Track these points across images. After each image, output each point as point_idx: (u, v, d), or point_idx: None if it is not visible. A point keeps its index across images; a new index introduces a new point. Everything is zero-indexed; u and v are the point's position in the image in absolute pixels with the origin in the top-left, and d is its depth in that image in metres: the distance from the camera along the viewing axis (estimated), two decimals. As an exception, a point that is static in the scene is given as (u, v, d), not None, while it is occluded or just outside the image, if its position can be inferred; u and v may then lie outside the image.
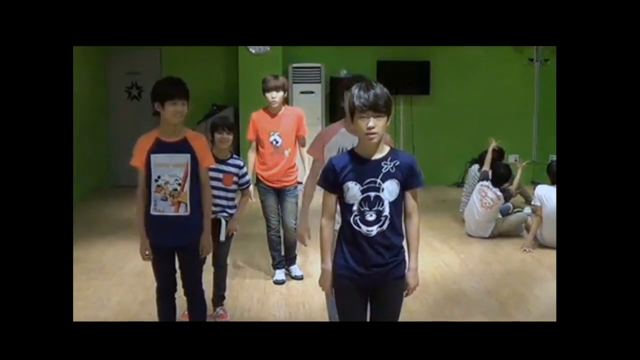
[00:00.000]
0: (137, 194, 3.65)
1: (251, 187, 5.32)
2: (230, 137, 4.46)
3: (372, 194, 2.90)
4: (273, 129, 5.25)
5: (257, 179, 5.37)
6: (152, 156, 3.57)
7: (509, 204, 7.18)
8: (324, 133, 3.99)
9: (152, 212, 3.60)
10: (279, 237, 5.47)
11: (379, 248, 2.91)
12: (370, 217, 2.91)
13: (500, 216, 7.10)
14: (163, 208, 3.59)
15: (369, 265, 2.92)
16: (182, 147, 3.59)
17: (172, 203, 3.59)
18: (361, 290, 2.97)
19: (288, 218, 5.37)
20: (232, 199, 4.56)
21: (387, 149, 2.95)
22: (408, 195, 2.94)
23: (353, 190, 2.90)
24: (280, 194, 5.34)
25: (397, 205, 2.92)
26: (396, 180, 2.90)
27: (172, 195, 3.58)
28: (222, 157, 4.44)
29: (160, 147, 3.58)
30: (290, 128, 5.27)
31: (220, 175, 4.41)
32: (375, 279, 2.93)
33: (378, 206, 2.90)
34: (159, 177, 3.57)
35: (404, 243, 3.01)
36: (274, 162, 5.29)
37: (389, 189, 2.90)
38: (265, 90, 5.19)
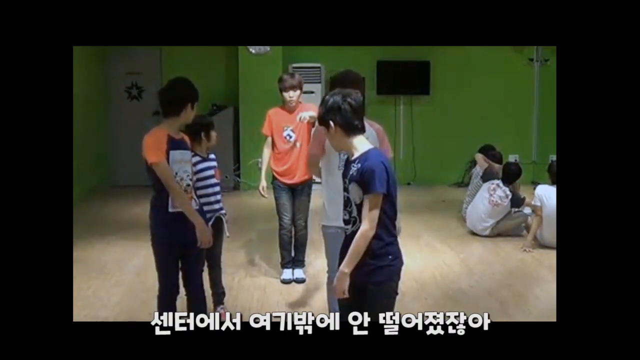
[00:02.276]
0: (174, 186, 3.54)
1: (264, 182, 5.34)
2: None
3: (345, 194, 2.99)
4: (287, 124, 5.26)
5: (273, 176, 5.38)
6: (171, 153, 3.58)
7: (510, 208, 7.17)
8: (320, 132, 3.93)
9: (170, 210, 3.59)
10: (290, 236, 5.47)
11: None
12: (345, 216, 3.01)
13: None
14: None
15: None
16: (186, 144, 3.72)
17: (188, 198, 3.64)
18: (351, 287, 2.98)
19: (299, 217, 5.36)
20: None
21: (362, 150, 2.95)
22: (364, 200, 2.88)
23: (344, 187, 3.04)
24: (294, 191, 5.34)
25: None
26: (356, 184, 2.90)
27: (186, 191, 3.64)
28: (205, 154, 4.43)
29: (175, 144, 3.61)
30: (304, 124, 5.22)
31: (212, 172, 4.42)
32: (355, 275, 2.92)
33: (348, 207, 2.97)
34: (176, 173, 3.59)
35: (391, 250, 2.98)
36: (287, 156, 5.30)
37: (353, 191, 2.93)
38: (282, 89, 5.20)
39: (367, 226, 2.87)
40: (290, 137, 5.25)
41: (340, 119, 2.92)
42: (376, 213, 2.87)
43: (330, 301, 3.88)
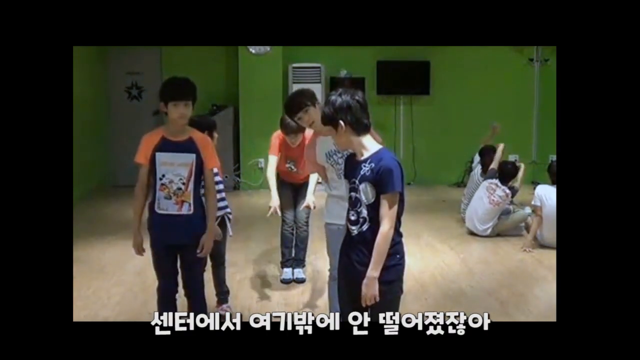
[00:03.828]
0: (136, 190, 3.65)
1: (277, 202, 5.13)
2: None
3: (353, 194, 2.96)
4: (290, 157, 5.27)
5: (277, 174, 5.38)
6: (157, 154, 3.57)
7: (510, 207, 7.19)
8: (309, 151, 3.93)
9: (157, 210, 3.62)
10: (292, 234, 5.46)
11: (362, 247, 2.95)
12: (352, 216, 2.98)
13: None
14: (166, 207, 3.60)
15: (354, 262, 2.97)
16: (188, 147, 3.61)
17: (175, 202, 3.60)
18: (352, 286, 2.98)
19: (301, 212, 5.36)
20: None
21: (373, 150, 2.95)
22: (381, 200, 2.89)
23: (346, 187, 3.04)
24: (297, 188, 5.35)
25: (377, 209, 2.89)
26: (369, 184, 2.89)
27: (176, 194, 3.60)
28: None
29: (166, 145, 3.59)
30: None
31: (216, 170, 4.41)
32: (362, 276, 2.92)
33: (357, 207, 2.95)
34: (163, 175, 3.58)
35: (400, 249, 2.99)
36: (288, 177, 5.36)
37: (364, 191, 2.91)
38: (284, 133, 5.14)
39: (388, 226, 2.86)
40: (292, 169, 5.30)
41: (351, 117, 2.91)
42: (395, 212, 2.88)
43: (332, 299, 3.88)
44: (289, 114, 3.95)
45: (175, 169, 3.59)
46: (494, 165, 7.39)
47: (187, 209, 3.62)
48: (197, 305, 3.78)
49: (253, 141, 9.40)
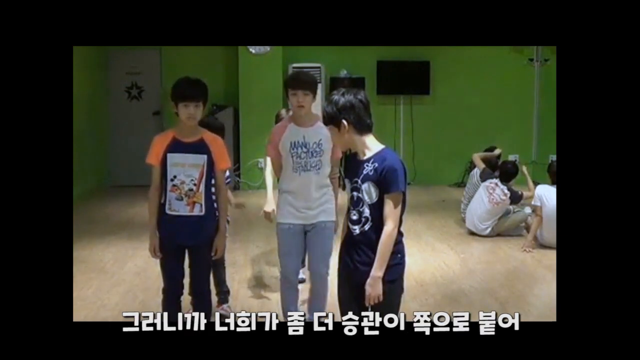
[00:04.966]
0: (150, 192, 3.62)
1: (273, 205, 5.10)
2: None
3: (355, 194, 2.96)
4: None
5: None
6: (169, 155, 3.55)
7: (510, 207, 7.19)
8: (274, 133, 3.95)
9: (167, 212, 3.60)
10: None
11: (364, 247, 2.95)
12: (354, 216, 2.98)
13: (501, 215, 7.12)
14: (178, 208, 3.58)
15: (356, 262, 2.97)
16: (199, 147, 3.59)
17: (187, 203, 3.58)
18: (353, 287, 2.98)
19: None
20: None
21: (375, 150, 2.95)
22: (385, 200, 2.89)
23: (348, 187, 3.01)
24: None
25: (379, 208, 2.90)
26: (373, 183, 2.89)
27: (188, 195, 3.58)
28: None
29: (177, 146, 3.57)
30: None
31: None
32: (364, 276, 2.92)
33: (359, 207, 2.95)
34: (174, 176, 3.56)
35: (401, 248, 3.00)
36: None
37: (367, 191, 2.91)
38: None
39: (392, 225, 2.87)
40: None
41: (354, 117, 2.91)
42: (399, 211, 2.89)
43: (285, 301, 3.86)
44: (290, 83, 3.91)
45: (186, 169, 3.57)
46: (478, 163, 7.48)
47: (198, 210, 3.60)
48: (203, 304, 3.77)
49: (253, 141, 9.40)
